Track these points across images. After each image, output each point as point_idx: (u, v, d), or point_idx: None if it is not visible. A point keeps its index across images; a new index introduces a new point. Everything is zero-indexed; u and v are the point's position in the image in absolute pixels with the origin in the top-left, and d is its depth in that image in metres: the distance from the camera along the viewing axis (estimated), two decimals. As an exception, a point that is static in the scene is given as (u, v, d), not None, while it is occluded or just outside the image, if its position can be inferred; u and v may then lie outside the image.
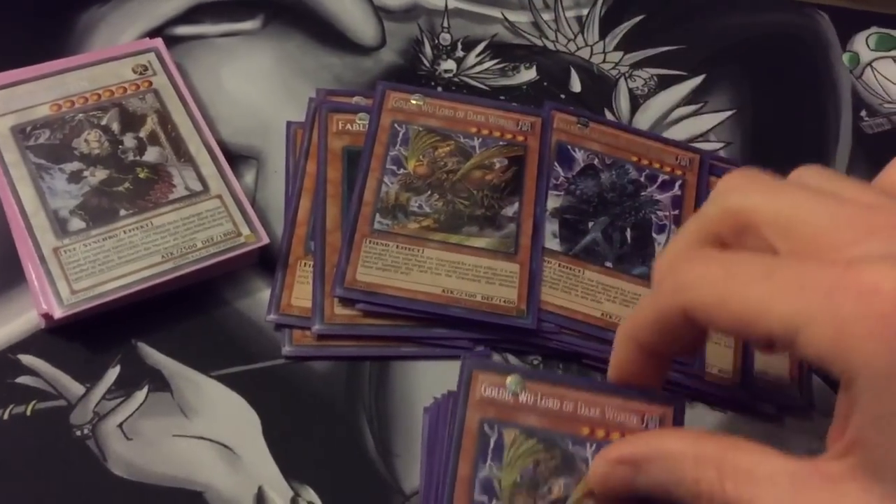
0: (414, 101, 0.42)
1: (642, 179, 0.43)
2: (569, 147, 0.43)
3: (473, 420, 0.33)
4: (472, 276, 0.39)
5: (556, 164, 0.42)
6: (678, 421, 0.34)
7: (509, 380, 0.34)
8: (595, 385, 0.34)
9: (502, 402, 0.33)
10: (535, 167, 0.42)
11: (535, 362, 0.39)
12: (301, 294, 0.39)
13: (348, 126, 0.42)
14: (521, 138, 0.42)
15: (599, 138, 0.43)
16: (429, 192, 0.41)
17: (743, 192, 0.29)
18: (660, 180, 0.43)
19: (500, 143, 0.42)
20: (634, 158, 0.43)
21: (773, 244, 0.28)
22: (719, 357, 0.39)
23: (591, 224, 0.41)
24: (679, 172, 0.43)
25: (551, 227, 0.41)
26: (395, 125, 0.42)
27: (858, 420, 0.27)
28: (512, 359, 0.39)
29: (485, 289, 0.39)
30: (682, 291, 0.29)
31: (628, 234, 0.41)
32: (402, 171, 0.41)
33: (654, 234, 0.42)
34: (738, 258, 0.29)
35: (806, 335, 0.26)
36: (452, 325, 0.38)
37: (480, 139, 0.42)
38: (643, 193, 0.42)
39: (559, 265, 0.40)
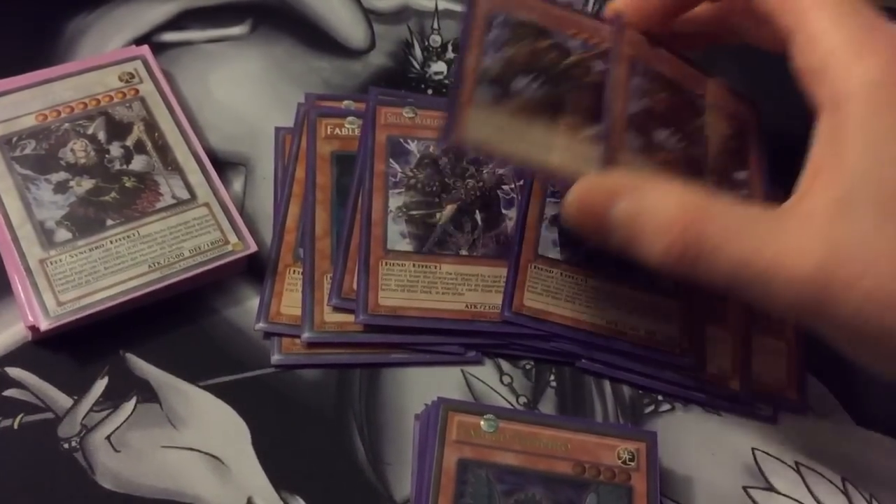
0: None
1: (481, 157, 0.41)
2: (401, 140, 0.41)
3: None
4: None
5: (390, 160, 0.41)
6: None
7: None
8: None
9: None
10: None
11: (528, 367, 0.39)
12: (290, 302, 0.38)
13: (337, 130, 0.42)
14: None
15: (430, 124, 0.42)
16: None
17: None
18: None
19: None
20: None
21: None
22: (719, 356, 0.39)
23: (438, 215, 0.40)
24: None
25: (399, 227, 0.39)
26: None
27: (850, 142, 0.28)
28: (505, 365, 0.38)
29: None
30: None
31: (478, 216, 0.40)
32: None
33: (503, 210, 0.40)
34: None
35: (814, 39, 0.30)
36: (472, 337, 0.38)
37: None
38: (485, 170, 0.41)
39: (413, 265, 0.38)
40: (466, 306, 0.38)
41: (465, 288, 0.38)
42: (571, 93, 0.35)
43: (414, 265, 0.38)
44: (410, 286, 0.38)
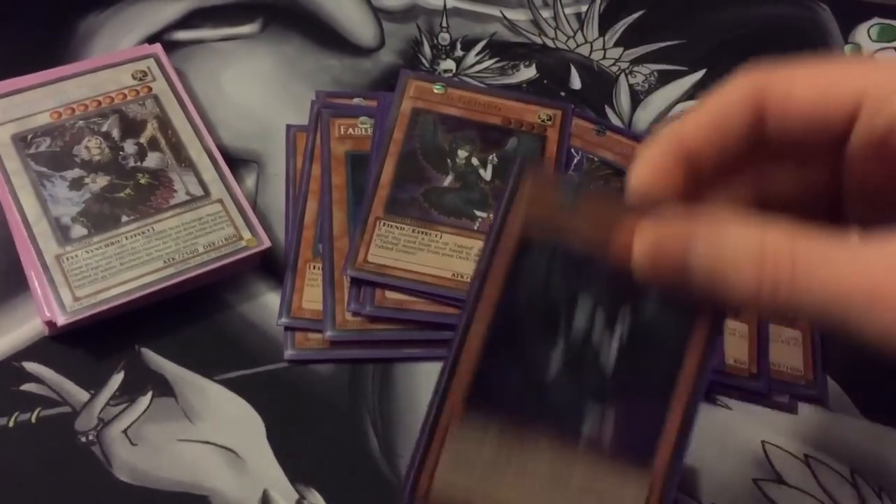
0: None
1: None
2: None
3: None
4: None
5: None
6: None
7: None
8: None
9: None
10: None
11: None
12: (311, 297, 0.39)
13: (350, 130, 0.42)
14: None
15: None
16: None
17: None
18: None
19: None
20: None
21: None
22: (736, 348, 0.39)
23: None
24: None
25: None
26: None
27: None
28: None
29: None
30: (760, 71, 0.27)
31: None
32: None
33: None
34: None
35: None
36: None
37: None
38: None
39: (413, 230, 0.40)
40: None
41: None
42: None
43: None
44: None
